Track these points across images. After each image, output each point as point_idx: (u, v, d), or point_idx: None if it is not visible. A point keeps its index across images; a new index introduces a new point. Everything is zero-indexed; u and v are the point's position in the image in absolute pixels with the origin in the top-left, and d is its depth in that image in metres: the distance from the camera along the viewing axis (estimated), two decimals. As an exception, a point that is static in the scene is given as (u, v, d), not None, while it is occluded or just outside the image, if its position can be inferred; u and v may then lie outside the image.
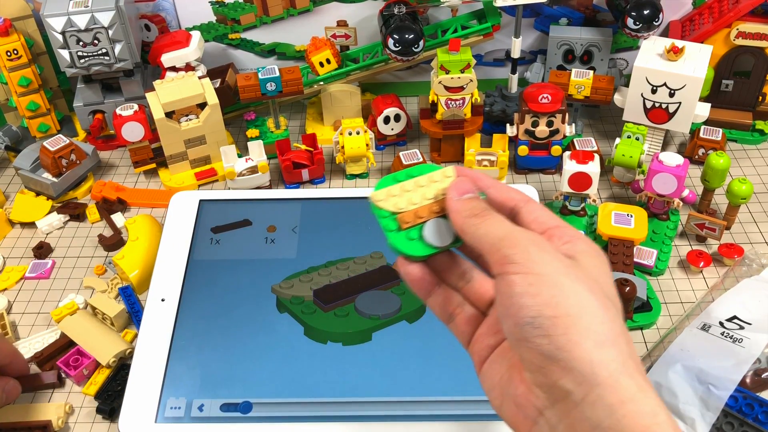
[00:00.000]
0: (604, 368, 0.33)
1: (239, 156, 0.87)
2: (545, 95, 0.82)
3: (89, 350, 0.67)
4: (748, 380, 0.60)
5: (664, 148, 0.88)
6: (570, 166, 0.76)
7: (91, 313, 0.71)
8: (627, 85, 0.84)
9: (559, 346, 0.33)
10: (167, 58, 0.89)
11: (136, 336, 0.69)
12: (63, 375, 0.67)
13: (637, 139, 0.83)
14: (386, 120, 0.91)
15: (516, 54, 0.90)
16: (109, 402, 0.63)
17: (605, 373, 0.33)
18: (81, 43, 0.85)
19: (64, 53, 0.86)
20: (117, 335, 0.69)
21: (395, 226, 0.40)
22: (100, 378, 0.65)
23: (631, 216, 0.75)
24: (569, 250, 0.38)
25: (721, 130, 0.88)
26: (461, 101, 0.85)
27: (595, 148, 0.86)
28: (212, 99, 0.85)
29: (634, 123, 0.84)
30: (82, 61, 0.87)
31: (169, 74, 0.89)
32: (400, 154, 0.86)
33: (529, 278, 0.34)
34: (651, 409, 0.32)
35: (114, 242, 0.80)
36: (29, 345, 0.69)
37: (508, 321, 0.35)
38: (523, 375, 0.36)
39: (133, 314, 0.72)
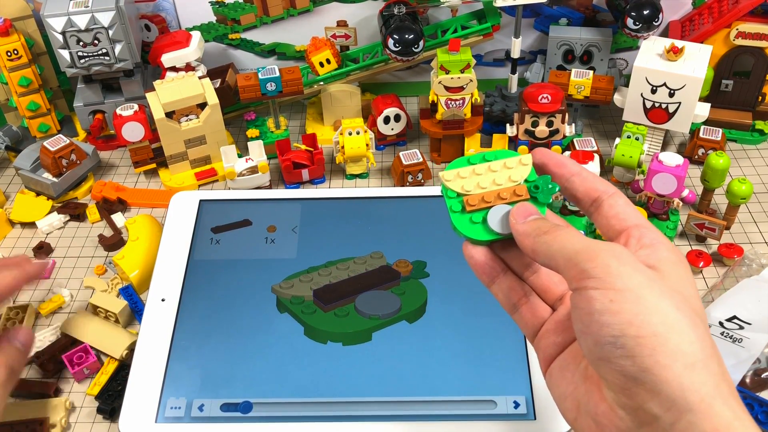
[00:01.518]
0: (696, 392, 0.30)
1: (239, 156, 0.87)
2: (545, 95, 0.82)
3: (99, 347, 0.67)
4: (748, 380, 0.60)
5: (663, 148, 0.88)
6: (570, 166, 0.76)
7: (91, 312, 0.71)
8: (627, 85, 0.84)
9: (645, 368, 0.31)
10: (167, 58, 0.89)
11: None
12: (63, 373, 0.67)
13: (637, 139, 0.83)
14: (386, 120, 0.91)
15: (516, 54, 0.90)
16: (110, 402, 0.63)
17: (697, 398, 0.30)
18: (81, 43, 0.86)
19: (65, 53, 0.86)
20: (122, 329, 0.70)
21: (460, 207, 0.39)
22: (103, 379, 0.65)
23: (631, 216, 0.75)
24: (649, 256, 0.35)
25: (720, 130, 0.88)
26: (461, 101, 0.85)
27: (595, 148, 0.86)
28: (212, 99, 0.85)
29: (634, 123, 0.84)
30: (83, 61, 0.87)
31: (169, 74, 0.89)
32: (400, 154, 0.86)
33: (609, 294, 0.32)
34: None
35: (114, 242, 0.80)
36: None
37: (587, 339, 0.33)
38: (604, 392, 0.34)
39: (137, 312, 0.72)
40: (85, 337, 0.68)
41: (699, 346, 0.32)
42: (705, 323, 0.34)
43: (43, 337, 0.70)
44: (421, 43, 0.86)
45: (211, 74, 0.94)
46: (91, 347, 0.67)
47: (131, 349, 0.67)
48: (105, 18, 0.84)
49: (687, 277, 0.35)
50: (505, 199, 0.39)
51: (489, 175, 0.39)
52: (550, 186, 0.39)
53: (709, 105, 0.84)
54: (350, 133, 0.86)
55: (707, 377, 0.31)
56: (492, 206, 0.39)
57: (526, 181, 0.40)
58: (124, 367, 0.66)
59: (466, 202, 0.39)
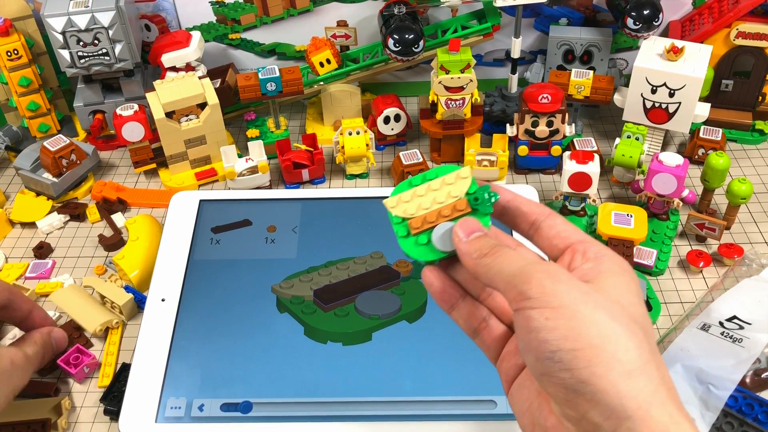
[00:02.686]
0: (633, 399, 0.31)
1: (239, 156, 0.87)
2: (545, 95, 0.82)
3: (77, 319, 0.69)
4: (748, 380, 0.60)
5: (663, 148, 0.88)
6: (570, 166, 0.76)
7: (80, 287, 0.74)
8: (627, 85, 0.84)
9: (583, 380, 0.32)
10: (167, 58, 0.89)
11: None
12: (63, 373, 0.67)
13: (637, 139, 0.83)
14: (386, 120, 0.91)
15: (516, 54, 0.90)
16: (116, 403, 0.63)
17: (634, 405, 0.31)
18: (81, 43, 0.86)
19: (65, 53, 0.86)
20: (107, 310, 0.71)
21: (405, 231, 0.40)
22: (109, 370, 0.66)
23: (631, 216, 0.75)
24: (592, 269, 0.36)
25: (720, 130, 0.88)
26: (461, 101, 0.85)
27: (595, 148, 0.86)
28: (212, 99, 0.85)
29: (634, 123, 0.84)
30: (83, 61, 0.87)
31: (170, 74, 0.89)
32: (400, 154, 0.86)
33: (545, 312, 0.33)
34: None
35: (114, 242, 0.80)
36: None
37: (529, 356, 0.34)
38: (552, 406, 0.35)
39: (143, 305, 0.72)
40: (67, 307, 0.70)
41: (636, 354, 0.32)
42: (645, 330, 0.35)
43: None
44: (421, 43, 0.86)
45: (211, 74, 0.94)
46: (74, 324, 0.70)
47: (107, 327, 0.69)
48: (105, 18, 0.84)
49: (628, 286, 0.36)
50: (447, 216, 0.39)
51: (430, 194, 0.40)
52: (488, 195, 0.39)
53: (709, 105, 0.84)
54: (350, 133, 0.86)
55: (645, 384, 0.32)
56: (435, 225, 0.39)
57: (466, 194, 0.40)
58: (127, 368, 0.66)
59: (410, 226, 0.40)
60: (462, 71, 0.83)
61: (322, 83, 0.95)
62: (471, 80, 0.83)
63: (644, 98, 0.82)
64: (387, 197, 0.41)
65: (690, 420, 0.32)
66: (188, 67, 0.90)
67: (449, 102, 0.85)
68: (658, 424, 0.31)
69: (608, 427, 0.32)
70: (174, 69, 0.90)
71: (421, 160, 0.85)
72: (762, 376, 0.60)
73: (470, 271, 0.38)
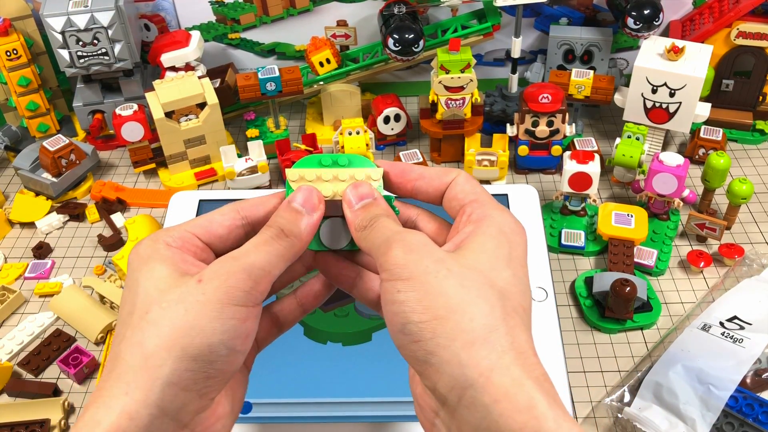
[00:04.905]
0: (474, 368, 0.31)
1: (239, 156, 0.87)
2: (545, 95, 0.82)
3: (78, 328, 0.69)
4: (748, 380, 0.60)
5: (664, 148, 0.88)
6: (570, 166, 0.76)
7: (79, 287, 0.73)
8: (627, 85, 0.84)
9: (429, 351, 0.32)
10: (167, 58, 0.89)
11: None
12: (62, 374, 0.67)
13: (638, 139, 0.83)
14: (386, 120, 0.91)
15: (516, 54, 0.90)
16: None
17: (476, 373, 0.31)
18: (81, 43, 0.85)
19: (64, 53, 0.86)
20: (106, 309, 0.71)
21: None
22: None
23: (632, 216, 0.75)
24: (468, 234, 0.35)
25: (721, 130, 0.88)
26: (461, 101, 0.85)
27: (596, 148, 0.86)
28: (212, 99, 0.85)
29: (635, 123, 0.84)
30: (82, 60, 0.87)
31: (169, 74, 0.89)
32: (400, 154, 0.86)
33: (397, 285, 0.33)
34: (527, 402, 0.30)
35: (114, 242, 0.80)
36: (19, 334, 0.71)
37: (390, 328, 0.34)
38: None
39: None
40: (66, 316, 0.70)
41: (483, 322, 0.32)
42: (503, 294, 0.33)
43: (32, 324, 0.71)
44: (421, 42, 0.86)
45: (211, 74, 0.94)
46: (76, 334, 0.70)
47: (108, 331, 0.69)
48: (104, 18, 0.84)
49: (495, 250, 0.35)
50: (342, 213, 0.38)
51: (335, 184, 0.39)
52: (392, 207, 0.39)
53: (709, 105, 0.84)
54: (350, 133, 0.86)
55: (488, 351, 0.31)
56: (326, 218, 0.38)
57: None
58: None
59: None
60: (462, 71, 0.83)
61: (322, 83, 0.95)
62: (471, 80, 0.83)
63: (645, 98, 0.82)
64: (293, 169, 0.39)
65: (537, 379, 0.31)
66: (188, 67, 0.90)
67: (449, 102, 0.85)
68: (498, 388, 0.31)
69: (453, 397, 0.32)
70: (173, 69, 0.90)
71: (421, 160, 0.85)
72: (762, 376, 0.60)
73: (356, 242, 0.37)
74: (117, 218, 0.84)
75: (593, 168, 0.75)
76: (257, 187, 0.85)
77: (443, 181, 0.39)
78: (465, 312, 0.32)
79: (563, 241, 0.76)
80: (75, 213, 0.85)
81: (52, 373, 0.67)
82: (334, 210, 0.39)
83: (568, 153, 0.77)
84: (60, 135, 0.87)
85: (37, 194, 0.87)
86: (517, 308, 0.34)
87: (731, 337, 0.60)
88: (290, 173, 0.39)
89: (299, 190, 0.38)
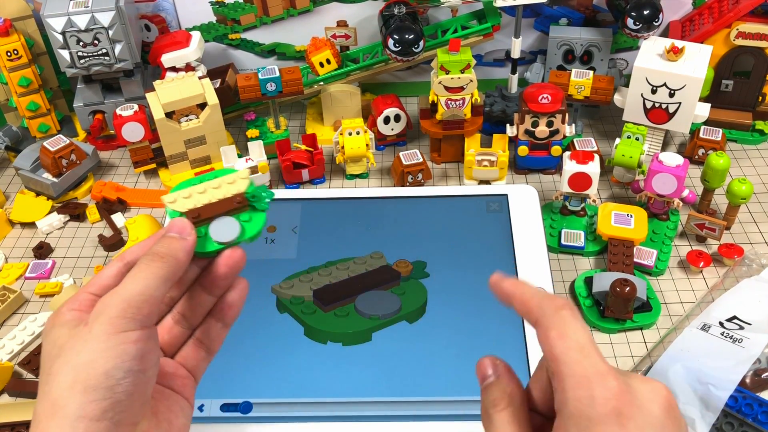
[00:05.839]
0: None
1: (239, 156, 0.87)
2: (545, 95, 0.82)
3: None
4: (748, 380, 0.60)
5: (664, 149, 0.88)
6: (570, 167, 0.76)
7: (78, 287, 0.73)
8: (627, 85, 0.84)
9: None
10: (167, 59, 0.89)
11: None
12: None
13: (637, 139, 0.83)
14: (386, 120, 0.91)
15: (516, 54, 0.90)
16: None
17: None
18: (81, 44, 0.86)
19: (64, 53, 0.86)
20: None
21: None
22: None
23: (631, 216, 0.75)
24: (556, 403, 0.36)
25: (721, 130, 0.88)
26: (461, 101, 0.85)
27: (595, 149, 0.86)
28: (212, 99, 0.85)
29: (634, 123, 0.84)
30: (82, 61, 0.87)
31: (169, 74, 0.89)
32: (400, 154, 0.86)
33: None
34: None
35: (114, 242, 0.80)
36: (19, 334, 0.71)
37: None
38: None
39: None
40: None
41: None
42: None
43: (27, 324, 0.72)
44: (421, 43, 0.86)
45: (211, 74, 0.94)
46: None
47: None
48: (105, 18, 0.84)
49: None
50: (225, 209, 0.41)
51: (210, 192, 0.42)
52: (265, 194, 0.42)
53: (709, 105, 0.84)
54: (350, 133, 0.86)
55: None
56: (213, 217, 0.41)
57: (245, 192, 0.42)
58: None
59: (188, 216, 0.41)
60: (462, 71, 0.83)
61: (322, 83, 0.95)
62: (471, 80, 0.83)
63: (644, 98, 0.82)
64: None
65: None
66: (188, 67, 0.90)
67: (449, 102, 0.85)
68: None
69: None
70: (174, 69, 0.90)
71: (421, 160, 0.85)
72: (762, 376, 0.60)
73: None
74: (117, 218, 0.84)
75: (593, 168, 0.75)
76: (257, 188, 0.86)
77: (538, 306, 0.38)
78: None
79: (563, 241, 0.76)
80: (75, 213, 0.85)
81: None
82: (216, 211, 0.41)
83: (567, 153, 0.77)
84: (60, 135, 0.87)
85: (38, 194, 0.87)
86: None
87: (731, 337, 0.60)
88: (166, 198, 0.42)
89: (171, 223, 0.40)
